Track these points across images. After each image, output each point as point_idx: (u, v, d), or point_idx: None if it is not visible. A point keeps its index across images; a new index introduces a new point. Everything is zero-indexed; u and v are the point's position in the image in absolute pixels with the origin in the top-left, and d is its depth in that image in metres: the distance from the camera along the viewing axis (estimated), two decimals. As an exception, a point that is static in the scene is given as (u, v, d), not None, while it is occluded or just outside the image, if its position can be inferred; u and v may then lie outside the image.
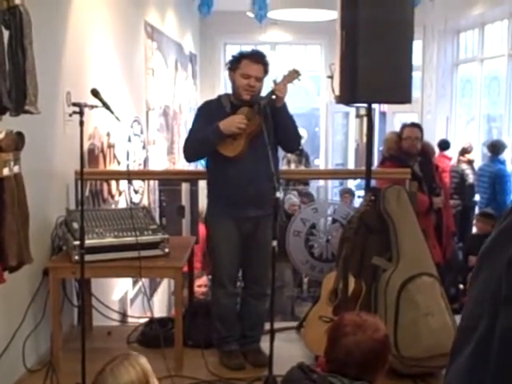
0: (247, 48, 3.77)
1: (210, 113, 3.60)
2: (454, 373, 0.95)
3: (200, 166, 5.74)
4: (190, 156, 3.71)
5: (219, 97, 3.71)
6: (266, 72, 3.56)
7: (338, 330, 2.06)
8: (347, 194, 8.91)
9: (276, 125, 3.53)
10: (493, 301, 0.87)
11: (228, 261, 3.62)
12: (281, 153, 4.53)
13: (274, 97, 3.50)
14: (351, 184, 10.44)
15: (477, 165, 8.41)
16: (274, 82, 3.55)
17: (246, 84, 3.48)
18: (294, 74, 3.55)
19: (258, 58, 3.54)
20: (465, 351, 0.92)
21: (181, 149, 7.98)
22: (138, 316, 4.98)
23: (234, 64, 3.55)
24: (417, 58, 8.92)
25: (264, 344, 3.60)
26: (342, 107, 5.84)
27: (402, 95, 3.74)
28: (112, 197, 5.11)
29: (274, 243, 3.10)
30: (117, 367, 2.01)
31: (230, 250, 3.61)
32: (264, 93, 3.59)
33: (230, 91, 3.70)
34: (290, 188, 8.62)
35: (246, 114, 3.47)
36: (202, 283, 5.65)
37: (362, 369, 1.99)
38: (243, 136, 3.47)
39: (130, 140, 5.80)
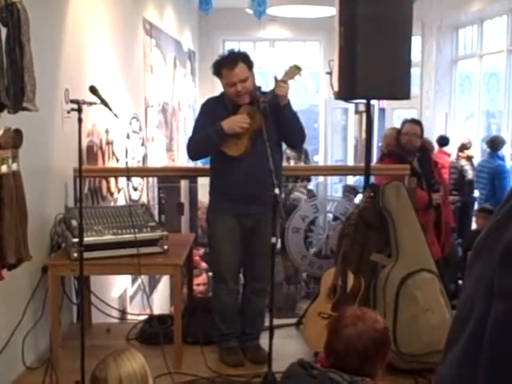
0: (235, 46, 3.69)
1: (212, 110, 3.59)
2: (449, 363, 0.96)
3: (200, 163, 5.74)
4: (193, 155, 3.74)
5: (222, 94, 3.67)
6: (249, 66, 3.51)
7: (338, 323, 2.07)
8: (348, 191, 8.91)
9: (280, 122, 3.51)
10: (486, 292, 0.88)
11: (230, 257, 3.61)
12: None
13: (276, 93, 3.48)
14: (350, 180, 10.45)
15: (476, 161, 8.41)
16: (275, 78, 3.53)
17: (234, 92, 3.47)
18: (294, 70, 3.52)
19: (233, 61, 3.46)
20: (459, 341, 0.93)
21: (180, 146, 7.93)
22: (137, 313, 4.98)
23: (217, 75, 3.54)
24: (415, 54, 8.90)
25: (263, 341, 3.60)
26: (341, 103, 5.84)
27: (400, 91, 3.74)
28: (111, 194, 5.11)
29: (273, 239, 3.10)
30: (119, 356, 2.09)
31: (232, 247, 3.60)
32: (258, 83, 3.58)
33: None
34: (290, 185, 8.64)
35: (248, 112, 3.45)
36: (200, 282, 5.65)
37: (362, 359, 2.00)
38: (246, 135, 3.45)
39: (128, 137, 5.79)
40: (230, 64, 3.46)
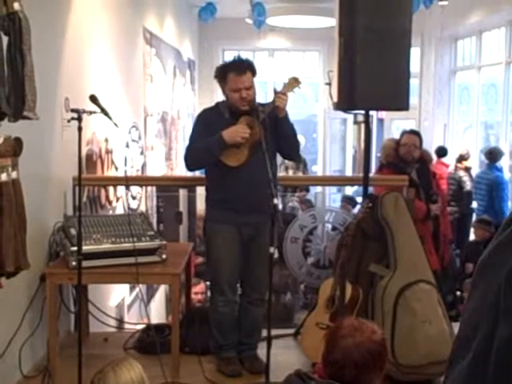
0: (235, 54, 3.71)
1: (209, 120, 3.59)
2: (453, 382, 0.96)
3: (198, 172, 5.75)
4: (191, 165, 3.68)
5: (217, 104, 3.70)
6: (254, 75, 3.53)
7: (336, 333, 2.08)
8: (346, 202, 8.92)
9: (278, 133, 3.52)
10: (491, 312, 0.88)
11: (228, 268, 3.61)
12: (278, 159, 4.51)
13: (275, 105, 3.49)
14: (349, 191, 10.46)
15: (474, 172, 8.43)
16: (275, 90, 3.54)
17: (239, 97, 3.47)
18: (294, 83, 3.55)
19: (242, 68, 3.48)
20: (463, 361, 0.93)
21: (179, 154, 7.92)
22: (134, 322, 4.97)
23: (221, 78, 3.53)
24: (414, 65, 8.95)
25: (261, 351, 3.60)
26: (340, 113, 5.85)
27: (399, 102, 3.75)
28: (110, 203, 5.11)
29: (272, 249, 3.10)
30: (118, 366, 2.09)
31: (231, 257, 3.59)
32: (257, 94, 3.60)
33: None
34: (289, 195, 8.64)
35: (248, 123, 3.46)
36: (198, 290, 5.64)
37: (359, 370, 2.00)
38: (246, 145, 3.46)
39: (127, 146, 5.80)
40: (239, 70, 3.47)
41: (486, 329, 0.88)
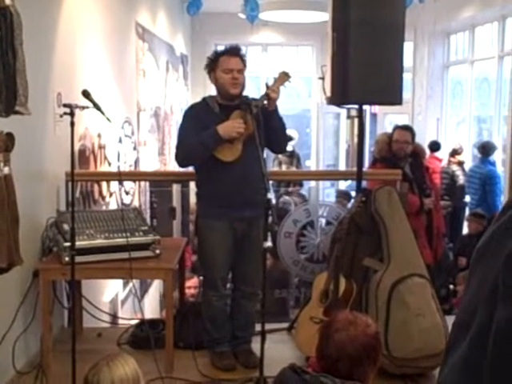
0: None
1: (198, 116, 3.57)
2: (450, 368, 0.96)
3: (191, 167, 5.74)
4: (183, 161, 3.65)
5: (204, 99, 3.68)
6: (244, 65, 3.57)
7: (330, 327, 2.08)
8: (341, 197, 8.92)
9: (267, 127, 3.52)
10: (490, 297, 0.88)
11: (221, 263, 3.61)
12: (271, 154, 4.52)
13: (265, 102, 3.50)
14: (342, 185, 10.47)
15: (467, 166, 8.45)
16: (267, 85, 3.55)
17: (231, 78, 3.48)
18: (284, 77, 3.57)
19: (234, 51, 3.56)
20: (460, 346, 0.93)
21: (172, 150, 7.89)
22: (128, 318, 4.97)
23: (213, 63, 3.56)
24: (407, 60, 8.95)
25: (255, 345, 3.60)
26: (333, 108, 5.85)
27: (392, 97, 3.76)
28: (103, 198, 5.10)
29: (265, 244, 3.09)
30: (112, 361, 2.09)
31: (224, 254, 3.59)
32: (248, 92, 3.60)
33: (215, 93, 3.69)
34: (282, 190, 8.65)
35: (242, 117, 3.46)
36: (191, 285, 5.63)
37: (353, 364, 2.00)
38: (239, 140, 3.46)
39: (120, 141, 5.79)
40: (231, 52, 3.54)
41: (485, 312, 0.89)
